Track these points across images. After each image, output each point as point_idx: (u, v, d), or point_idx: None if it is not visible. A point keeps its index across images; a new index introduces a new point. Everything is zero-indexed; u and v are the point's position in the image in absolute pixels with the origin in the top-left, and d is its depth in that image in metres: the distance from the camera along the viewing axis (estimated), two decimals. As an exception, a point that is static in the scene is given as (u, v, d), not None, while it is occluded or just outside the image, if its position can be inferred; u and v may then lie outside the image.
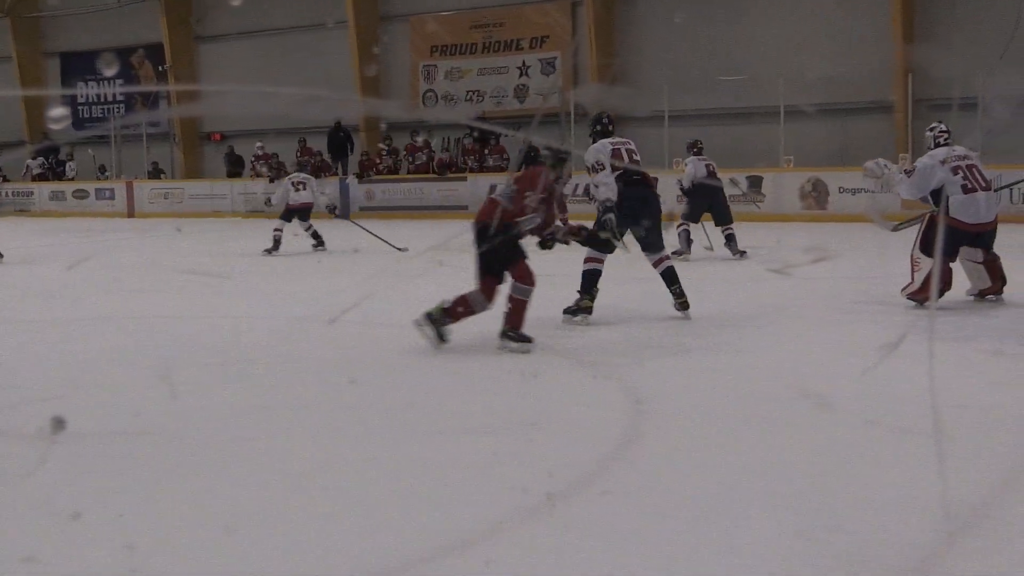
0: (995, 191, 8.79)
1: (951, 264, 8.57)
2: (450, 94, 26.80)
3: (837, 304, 9.08)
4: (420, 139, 25.14)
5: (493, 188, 20.90)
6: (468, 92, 26.55)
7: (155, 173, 30.12)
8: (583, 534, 3.79)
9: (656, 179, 8.68)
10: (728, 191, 13.52)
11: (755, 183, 20.00)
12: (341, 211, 14.80)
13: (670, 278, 8.48)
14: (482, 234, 7.13)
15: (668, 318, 8.57)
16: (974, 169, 8.58)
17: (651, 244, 8.52)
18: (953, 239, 8.40)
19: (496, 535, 3.82)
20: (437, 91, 27.05)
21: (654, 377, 6.53)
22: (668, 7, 23.33)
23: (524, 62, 25.53)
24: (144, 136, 29.98)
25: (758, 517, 3.94)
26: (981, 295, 8.82)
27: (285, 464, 4.74)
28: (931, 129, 9.14)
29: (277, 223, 15.98)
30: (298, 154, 26.26)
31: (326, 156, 26.51)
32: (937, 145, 8.87)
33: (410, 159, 25.17)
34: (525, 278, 7.24)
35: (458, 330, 7.38)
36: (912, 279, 8.54)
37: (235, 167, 28.37)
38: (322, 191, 16.02)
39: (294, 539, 3.77)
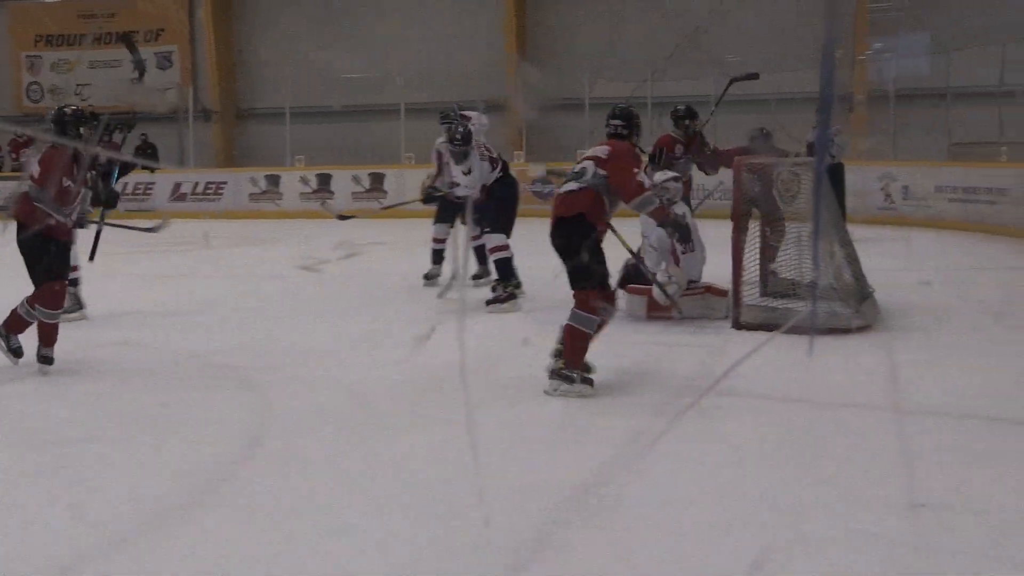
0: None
1: None
2: (57, 87, 25.20)
3: (373, 297, 9.63)
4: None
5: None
6: (78, 86, 25.06)
7: None
8: (202, 540, 3.83)
9: None
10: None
11: (273, 181, 20.80)
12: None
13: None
14: None
15: (286, 317, 8.73)
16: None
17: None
18: None
19: (113, 545, 3.79)
20: (43, 84, 25.39)
21: (278, 378, 6.59)
22: (289, 4, 23.24)
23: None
24: None
25: (389, 508, 4.12)
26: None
27: None
28: (676, 180, 8.82)
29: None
30: None
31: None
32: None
33: (13, 156, 23.46)
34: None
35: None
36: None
37: None
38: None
39: None
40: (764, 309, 8.05)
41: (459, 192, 9.31)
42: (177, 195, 21.24)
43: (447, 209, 10.07)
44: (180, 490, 4.37)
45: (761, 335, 7.35)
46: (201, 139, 22.66)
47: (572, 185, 6.25)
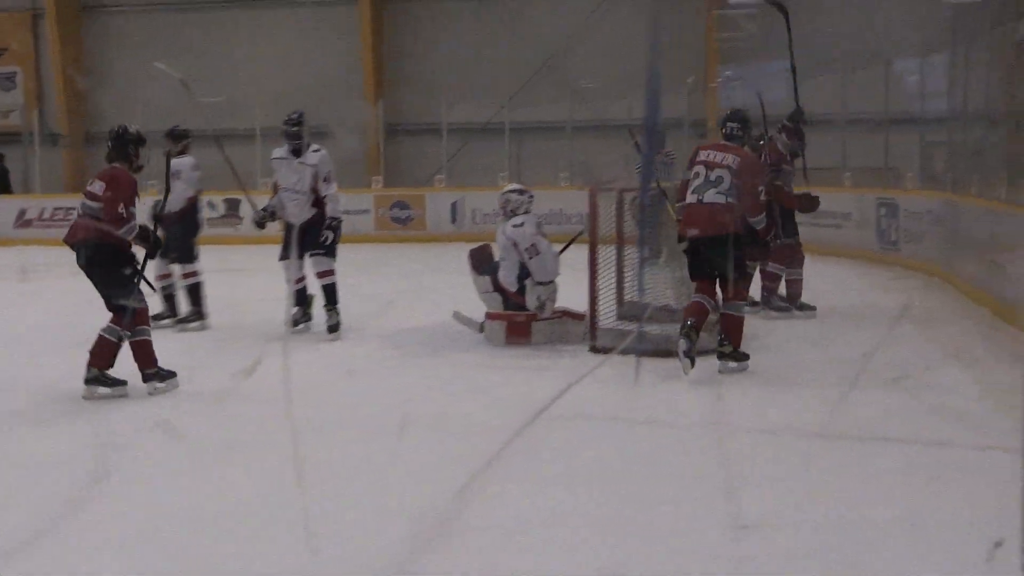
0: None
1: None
2: None
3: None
4: None
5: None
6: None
7: None
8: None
9: None
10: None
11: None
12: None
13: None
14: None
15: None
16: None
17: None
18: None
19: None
20: None
21: (103, 411, 6.50)
22: (140, 25, 22.94)
23: (-21, 76, 23.43)
24: None
25: (228, 539, 4.16)
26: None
27: None
28: (520, 192, 8.79)
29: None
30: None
31: None
32: (524, 211, 8.68)
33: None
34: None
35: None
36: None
37: None
38: None
39: None
40: (619, 332, 8.18)
41: (295, 188, 8.76)
42: (22, 222, 20.50)
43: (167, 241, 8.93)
44: (18, 528, 4.30)
45: (617, 358, 7.54)
46: (49, 163, 21.94)
47: (717, 197, 7.15)
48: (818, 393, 6.61)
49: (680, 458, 5.28)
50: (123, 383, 6.70)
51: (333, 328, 8.78)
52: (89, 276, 6.70)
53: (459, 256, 8.88)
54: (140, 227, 6.73)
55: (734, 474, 4.71)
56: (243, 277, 12.31)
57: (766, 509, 4.32)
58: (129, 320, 6.60)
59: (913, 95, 15.39)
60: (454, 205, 19.19)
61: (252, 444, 5.55)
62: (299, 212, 8.73)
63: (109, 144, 6.91)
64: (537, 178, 17.62)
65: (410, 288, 11.76)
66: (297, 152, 8.78)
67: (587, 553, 3.96)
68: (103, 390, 6.63)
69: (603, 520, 4.31)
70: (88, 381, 6.65)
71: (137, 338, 6.69)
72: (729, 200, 7.09)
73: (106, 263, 6.62)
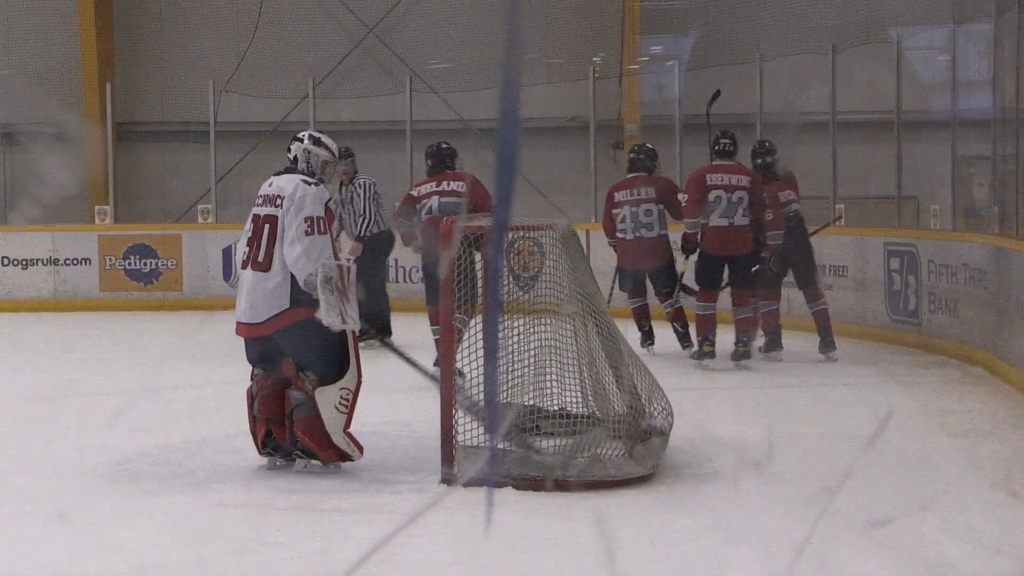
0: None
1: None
2: None
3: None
4: None
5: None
6: None
7: None
8: None
9: None
10: None
11: None
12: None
13: None
14: None
15: None
16: None
17: None
18: None
19: None
20: None
21: None
22: None
23: None
24: None
25: None
26: None
27: None
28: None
29: None
30: None
31: None
32: None
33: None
34: None
35: None
36: None
37: None
38: None
39: None
40: (495, 452, 6.97)
41: None
42: None
43: None
44: None
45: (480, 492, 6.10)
46: None
47: (743, 219, 9.34)
48: (762, 547, 5.91)
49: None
50: None
51: None
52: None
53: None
54: None
55: None
56: None
57: None
58: None
59: (936, 85, 13.36)
60: (228, 251, 15.51)
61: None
62: None
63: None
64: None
65: (154, 385, 10.24)
66: None
67: None
68: None
69: None
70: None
71: None
72: (750, 221, 9.83)
73: None
